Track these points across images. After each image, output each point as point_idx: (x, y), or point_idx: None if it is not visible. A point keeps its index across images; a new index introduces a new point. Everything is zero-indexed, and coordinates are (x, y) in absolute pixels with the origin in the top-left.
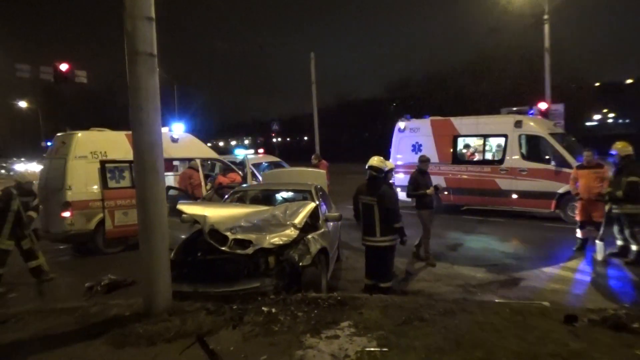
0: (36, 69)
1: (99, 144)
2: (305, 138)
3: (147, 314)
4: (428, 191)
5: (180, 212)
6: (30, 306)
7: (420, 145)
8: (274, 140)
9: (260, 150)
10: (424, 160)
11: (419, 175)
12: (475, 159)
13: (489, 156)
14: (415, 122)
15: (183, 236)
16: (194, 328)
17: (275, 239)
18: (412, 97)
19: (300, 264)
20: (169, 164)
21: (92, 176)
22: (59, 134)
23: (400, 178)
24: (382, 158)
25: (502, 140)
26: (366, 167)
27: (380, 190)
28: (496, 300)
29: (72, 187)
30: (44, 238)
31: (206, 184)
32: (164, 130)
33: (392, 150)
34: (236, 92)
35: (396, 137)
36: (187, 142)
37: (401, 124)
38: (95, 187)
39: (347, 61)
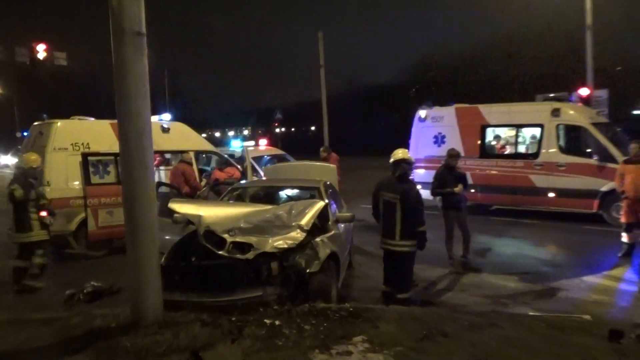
0: (10, 50)
1: (81, 135)
2: (313, 128)
3: (135, 325)
4: (456, 189)
5: (172, 212)
6: (4, 316)
7: (444, 136)
8: (277, 130)
9: (263, 142)
10: (453, 155)
11: (446, 172)
12: (506, 153)
13: (522, 149)
14: (438, 111)
15: (169, 238)
16: (187, 342)
17: (279, 242)
18: (434, 82)
19: (307, 270)
20: (160, 157)
21: (73, 170)
22: (36, 123)
23: (420, 174)
24: (406, 150)
25: (537, 131)
26: (392, 160)
27: (405, 186)
28: (530, 314)
29: (51, 182)
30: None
31: (201, 180)
32: (154, 118)
33: (412, 142)
34: (235, 77)
35: (416, 127)
36: (180, 132)
37: (422, 113)
38: (77, 183)
39: (360, 41)
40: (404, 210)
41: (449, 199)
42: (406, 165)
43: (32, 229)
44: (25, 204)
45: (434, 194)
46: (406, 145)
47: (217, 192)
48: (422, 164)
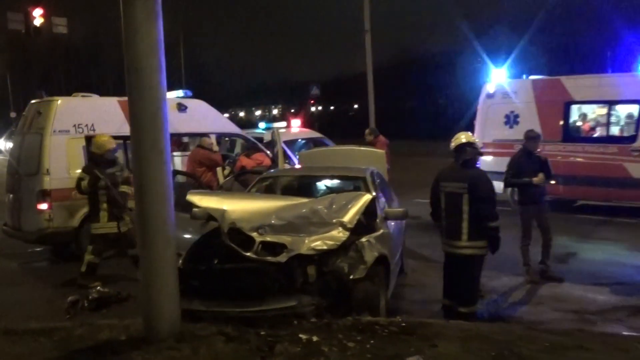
0: (2, 17)
1: (85, 114)
2: (356, 106)
3: (147, 339)
4: (536, 179)
5: (191, 205)
6: None
7: (517, 115)
8: (313, 109)
9: (296, 123)
10: (533, 137)
11: (524, 157)
12: (595, 136)
13: (615, 131)
14: (510, 84)
15: (188, 236)
16: (209, 359)
17: (317, 242)
18: (502, 48)
19: (351, 277)
20: (176, 141)
21: (76, 156)
22: (33, 102)
23: (487, 162)
24: (470, 133)
25: (635, 109)
26: (453, 146)
27: (473, 171)
28: (625, 334)
29: (51, 170)
30: (14, 238)
31: (224, 168)
32: (170, 95)
33: (478, 122)
34: (262, 46)
35: (483, 105)
36: (199, 111)
37: (490, 87)
38: (80, 171)
39: (413, 1)
40: (473, 201)
41: (527, 192)
42: (471, 149)
43: (99, 220)
44: (97, 192)
45: (508, 184)
46: (470, 127)
47: (244, 182)
48: (491, 150)
